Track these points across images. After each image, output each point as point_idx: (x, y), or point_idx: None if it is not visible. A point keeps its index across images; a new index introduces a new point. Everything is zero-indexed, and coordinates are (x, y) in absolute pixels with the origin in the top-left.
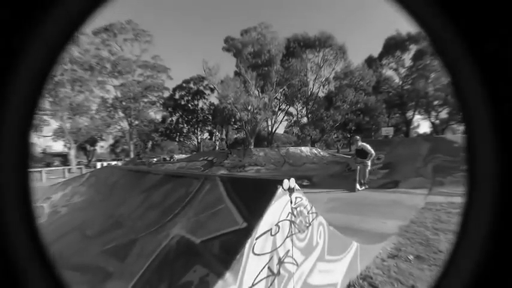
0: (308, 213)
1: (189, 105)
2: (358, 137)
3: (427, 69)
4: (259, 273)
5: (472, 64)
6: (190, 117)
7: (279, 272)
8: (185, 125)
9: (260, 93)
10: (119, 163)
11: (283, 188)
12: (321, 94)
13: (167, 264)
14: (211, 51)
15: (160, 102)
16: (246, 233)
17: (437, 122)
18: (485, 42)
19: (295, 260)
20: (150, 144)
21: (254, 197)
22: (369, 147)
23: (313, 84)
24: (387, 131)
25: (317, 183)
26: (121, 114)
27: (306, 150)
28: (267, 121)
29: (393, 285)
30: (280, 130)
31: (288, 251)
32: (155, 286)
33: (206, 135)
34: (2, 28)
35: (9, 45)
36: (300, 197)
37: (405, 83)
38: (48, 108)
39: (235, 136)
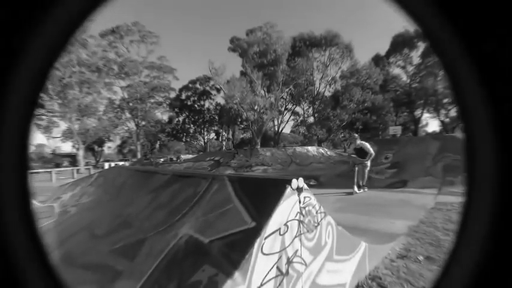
0: (316, 212)
1: (196, 105)
2: (356, 135)
3: (436, 66)
4: (268, 272)
5: (470, 64)
6: (196, 117)
7: (287, 272)
8: (192, 126)
9: (266, 93)
10: (126, 163)
11: (291, 187)
12: (327, 93)
13: (176, 263)
14: (217, 52)
15: (167, 102)
16: (255, 232)
17: (447, 120)
18: (483, 42)
19: (303, 260)
20: (157, 144)
21: (263, 197)
22: (368, 146)
23: (320, 84)
24: (395, 129)
25: (324, 182)
26: (128, 115)
27: (312, 149)
28: (273, 121)
29: (403, 286)
30: (287, 130)
31: (297, 250)
32: (164, 285)
33: (213, 135)
34: (2, 28)
35: (9, 45)
36: (308, 197)
37: (413, 81)
38: (57, 110)
39: (242, 136)
